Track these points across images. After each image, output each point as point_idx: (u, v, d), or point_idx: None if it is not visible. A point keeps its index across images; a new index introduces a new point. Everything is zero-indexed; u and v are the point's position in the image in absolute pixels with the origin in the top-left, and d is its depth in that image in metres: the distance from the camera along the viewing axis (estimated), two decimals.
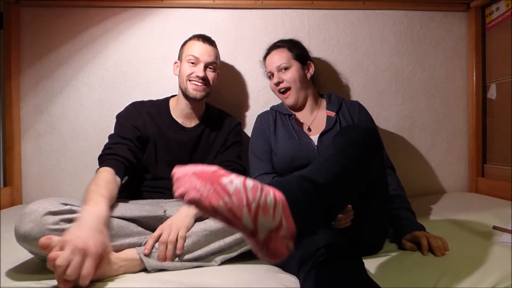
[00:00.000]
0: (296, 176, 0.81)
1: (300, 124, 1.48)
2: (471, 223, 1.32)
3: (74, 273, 0.83)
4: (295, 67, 1.47)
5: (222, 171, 0.68)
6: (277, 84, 1.48)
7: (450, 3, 1.90)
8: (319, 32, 1.87)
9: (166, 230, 1.06)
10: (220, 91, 1.84)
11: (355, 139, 0.96)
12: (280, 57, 1.48)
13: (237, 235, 1.06)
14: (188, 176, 0.64)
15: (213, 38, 1.48)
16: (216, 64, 1.48)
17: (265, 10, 1.85)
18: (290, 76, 1.46)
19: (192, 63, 1.43)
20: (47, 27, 1.79)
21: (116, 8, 1.80)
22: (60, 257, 0.82)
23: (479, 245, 1.10)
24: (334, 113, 1.45)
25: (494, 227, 1.24)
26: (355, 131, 1.01)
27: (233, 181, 0.66)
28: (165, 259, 1.02)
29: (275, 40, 1.60)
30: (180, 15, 1.82)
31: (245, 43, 1.84)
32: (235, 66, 1.84)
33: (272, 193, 0.69)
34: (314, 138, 1.41)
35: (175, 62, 1.53)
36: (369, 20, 1.89)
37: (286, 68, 1.47)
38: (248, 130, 1.65)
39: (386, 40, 1.90)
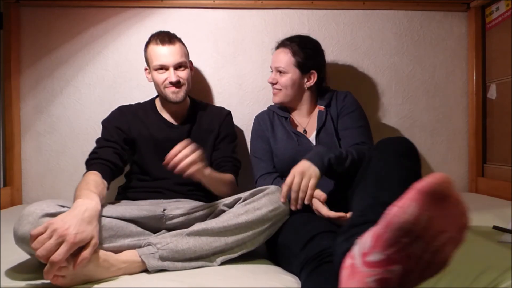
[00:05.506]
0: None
1: (295, 126, 1.48)
2: (471, 223, 1.31)
3: (43, 254, 0.83)
4: (291, 74, 1.40)
5: None
6: (271, 83, 1.46)
7: (450, 3, 1.90)
8: (319, 32, 1.87)
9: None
10: (220, 91, 1.84)
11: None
12: (282, 59, 1.41)
13: (239, 236, 1.06)
14: None
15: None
16: (185, 62, 1.42)
17: (265, 10, 1.85)
18: (284, 81, 1.41)
19: (161, 69, 1.40)
20: (47, 27, 1.78)
21: (116, 8, 1.79)
22: (35, 230, 0.86)
23: (479, 245, 1.10)
24: (324, 107, 1.43)
25: (494, 227, 1.24)
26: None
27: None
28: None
29: (275, 40, 1.59)
30: (180, 15, 1.82)
31: (245, 43, 1.84)
32: (235, 66, 1.84)
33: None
34: (312, 138, 1.42)
35: (146, 69, 1.50)
36: (369, 20, 1.89)
37: (283, 72, 1.42)
38: (248, 130, 1.65)
39: (386, 40, 1.89)
